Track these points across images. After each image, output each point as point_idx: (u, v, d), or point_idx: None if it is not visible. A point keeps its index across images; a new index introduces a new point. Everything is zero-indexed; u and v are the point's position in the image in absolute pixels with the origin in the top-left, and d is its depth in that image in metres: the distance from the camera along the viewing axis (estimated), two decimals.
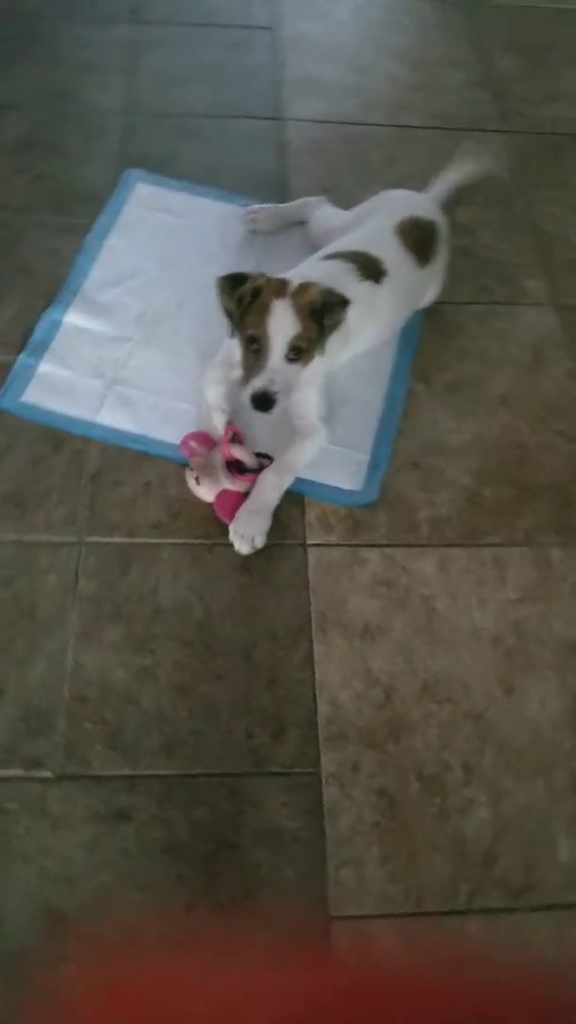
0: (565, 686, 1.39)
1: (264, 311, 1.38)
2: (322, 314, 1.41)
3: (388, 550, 1.50)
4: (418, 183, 1.84)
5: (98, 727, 1.28)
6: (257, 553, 1.46)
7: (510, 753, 1.32)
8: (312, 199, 1.88)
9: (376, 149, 2.07)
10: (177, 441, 1.54)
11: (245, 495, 1.49)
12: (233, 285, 1.40)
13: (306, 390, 1.52)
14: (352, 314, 1.55)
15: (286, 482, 1.50)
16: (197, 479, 1.47)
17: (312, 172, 2.01)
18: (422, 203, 1.75)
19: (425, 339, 1.77)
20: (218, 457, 1.50)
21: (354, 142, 2.08)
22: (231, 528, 1.45)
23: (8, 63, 2.12)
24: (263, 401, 1.39)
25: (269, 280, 1.42)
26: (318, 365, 1.51)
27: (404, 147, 2.09)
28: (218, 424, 1.55)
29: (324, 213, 1.84)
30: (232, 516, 1.46)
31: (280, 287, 1.41)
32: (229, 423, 1.54)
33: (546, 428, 1.68)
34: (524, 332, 1.81)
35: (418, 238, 1.66)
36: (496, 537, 1.53)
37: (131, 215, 1.87)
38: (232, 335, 1.46)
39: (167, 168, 1.96)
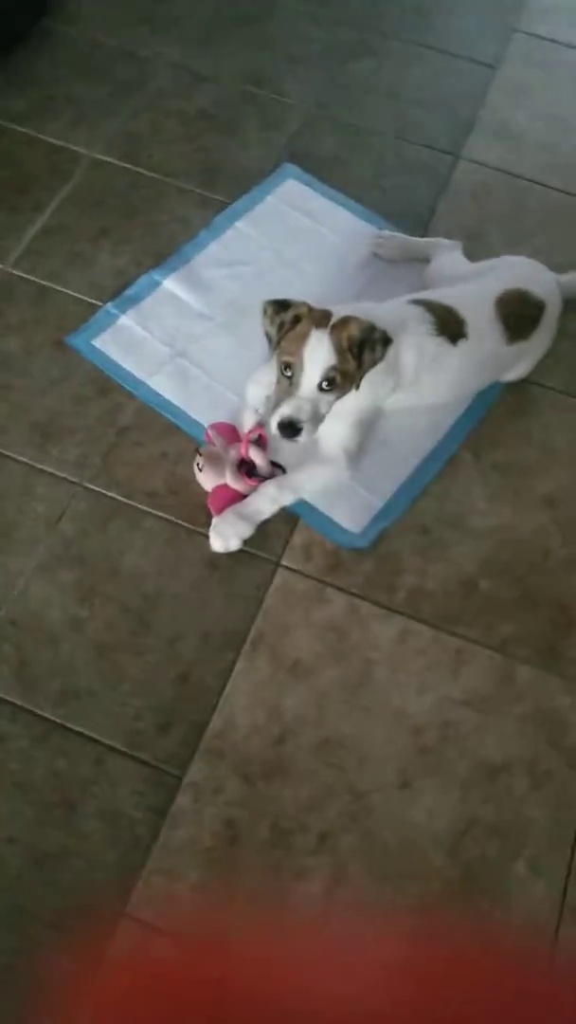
0: (463, 807, 1.30)
1: (302, 339, 1.39)
2: (361, 349, 1.39)
3: (356, 600, 1.47)
4: (565, 261, 1.75)
5: (14, 652, 1.37)
6: (229, 554, 1.47)
7: (373, 846, 1.26)
8: (446, 241, 1.83)
9: (539, 212, 1.98)
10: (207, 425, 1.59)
11: (243, 497, 1.51)
12: (276, 310, 1.42)
13: (337, 421, 1.51)
14: (409, 361, 1.53)
15: (285, 499, 1.51)
16: (200, 466, 1.51)
17: (464, 216, 1.95)
18: (542, 281, 1.66)
19: (496, 411, 1.68)
20: (233, 453, 1.53)
21: (520, 198, 1.99)
22: (212, 522, 1.48)
23: (223, 38, 2.22)
24: (289, 428, 1.40)
25: (312, 310, 1.42)
26: (356, 400, 1.49)
27: (570, 219, 1.98)
28: (247, 422, 1.57)
29: (449, 259, 1.79)
30: (220, 512, 1.49)
31: (321, 318, 1.41)
32: (259, 424, 1.57)
33: None
34: None
35: (517, 313, 1.59)
36: (471, 631, 1.45)
37: (270, 206, 1.92)
38: (270, 358, 1.47)
39: (325, 172, 1.98)
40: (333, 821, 1.28)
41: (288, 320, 1.41)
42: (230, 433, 1.57)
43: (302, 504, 1.54)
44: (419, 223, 1.93)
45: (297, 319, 1.41)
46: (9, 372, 1.64)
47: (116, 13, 2.24)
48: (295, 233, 1.89)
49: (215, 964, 1.14)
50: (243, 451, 1.52)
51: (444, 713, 1.38)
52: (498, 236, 1.92)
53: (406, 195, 1.98)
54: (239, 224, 1.88)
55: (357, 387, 1.45)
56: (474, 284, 1.64)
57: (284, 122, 2.07)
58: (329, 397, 1.43)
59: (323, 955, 1.14)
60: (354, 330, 1.39)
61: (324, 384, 1.40)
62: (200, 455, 1.52)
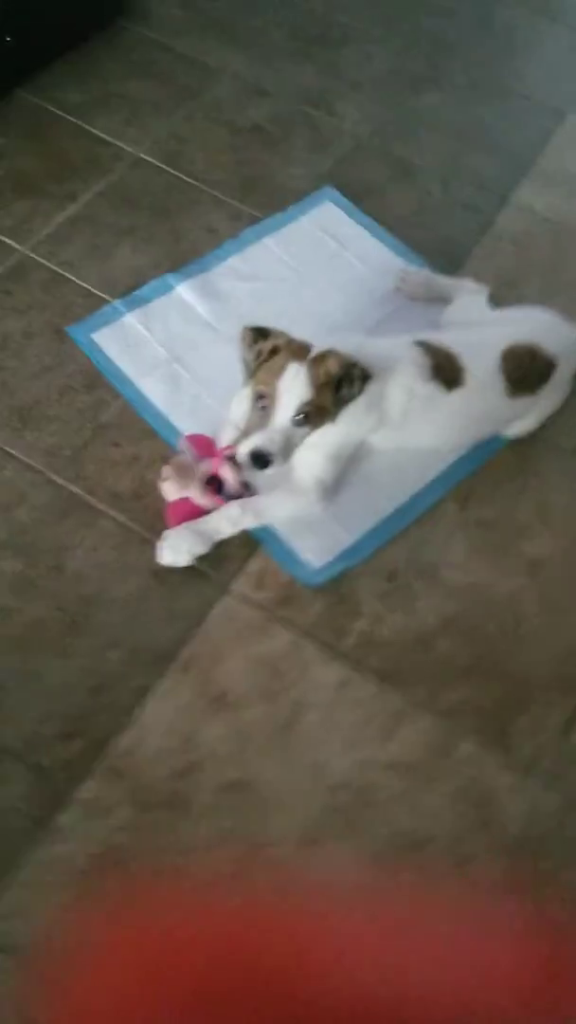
0: (373, 880, 1.20)
1: (278, 371, 1.34)
2: (339, 385, 1.33)
3: (301, 639, 1.38)
4: None
5: None
6: (179, 570, 1.41)
7: None
8: (471, 284, 1.75)
9: None
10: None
11: (205, 513, 1.45)
12: (255, 337, 1.38)
13: (313, 451, 1.45)
14: (396, 402, 1.45)
15: (247, 522, 1.44)
16: (166, 475, 1.46)
17: (502, 261, 1.87)
18: (560, 336, 1.57)
19: (493, 465, 1.58)
20: (204, 467, 1.47)
21: (564, 250, 1.90)
22: (166, 534, 1.42)
23: (292, 56, 2.21)
24: (259, 460, 1.34)
25: (291, 342, 1.37)
26: (334, 432, 1.42)
27: None
28: (226, 437, 1.52)
29: (470, 303, 1.71)
30: (177, 524, 1.43)
31: (300, 351, 1.36)
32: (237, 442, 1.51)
33: (559, 619, 1.44)
34: None
35: (523, 367, 1.50)
36: (417, 691, 1.35)
37: (302, 226, 1.88)
38: (245, 385, 1.42)
39: (364, 200, 1.93)
40: (220, 869, 1.19)
41: (266, 350, 1.36)
42: (206, 446, 1.52)
43: (265, 530, 1.47)
44: (454, 263, 1.86)
45: (275, 350, 1.36)
46: (3, 352, 1.63)
47: (191, 19, 2.26)
48: (321, 257, 1.84)
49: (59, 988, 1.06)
50: (215, 466, 1.47)
51: (367, 774, 1.28)
52: (534, 285, 1.83)
53: (445, 233, 1.91)
54: (267, 240, 1.85)
55: (333, 421, 1.38)
56: (484, 332, 1.56)
57: (334, 145, 2.04)
58: (302, 430, 1.37)
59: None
60: (332, 365, 1.33)
61: (298, 418, 1.34)
62: (169, 464, 1.47)
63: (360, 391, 1.37)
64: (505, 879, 1.21)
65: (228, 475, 1.47)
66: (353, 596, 1.43)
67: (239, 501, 1.45)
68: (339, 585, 1.44)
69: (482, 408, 1.51)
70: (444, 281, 1.77)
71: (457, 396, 1.47)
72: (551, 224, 1.94)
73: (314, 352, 1.36)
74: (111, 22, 2.18)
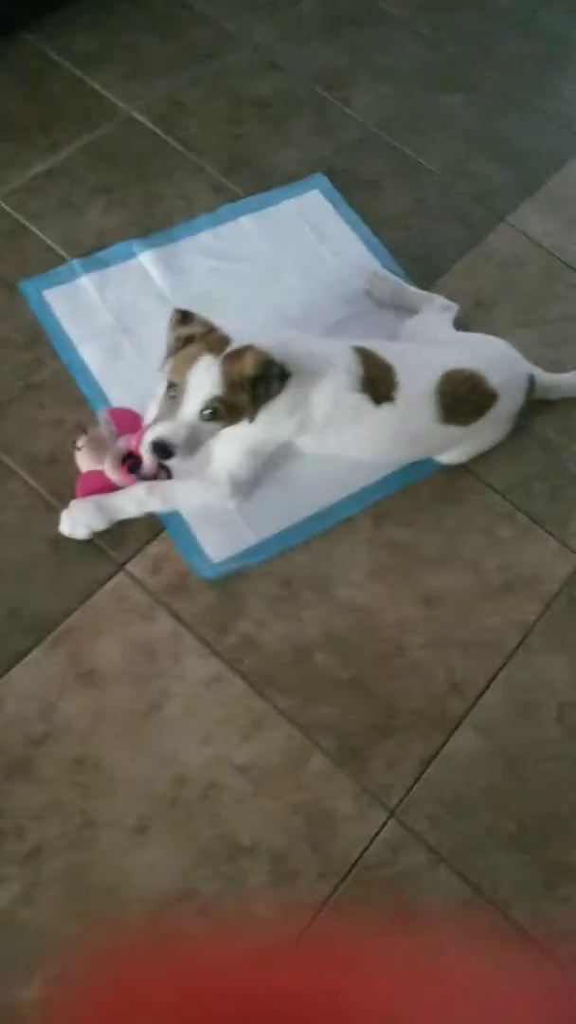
0: (188, 875, 1.22)
1: (190, 362, 1.30)
2: (255, 385, 1.31)
3: (182, 630, 1.39)
4: (565, 359, 1.65)
5: None
6: (78, 542, 1.42)
7: (79, 878, 1.20)
8: (440, 301, 1.71)
9: (563, 301, 1.82)
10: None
11: (115, 489, 1.45)
12: (179, 321, 1.35)
13: (231, 445, 1.44)
14: (321, 408, 1.43)
15: (152, 506, 1.44)
16: (79, 445, 1.46)
17: (481, 280, 1.82)
18: (511, 371, 1.54)
19: (418, 489, 1.56)
20: (122, 443, 1.47)
21: (550, 283, 1.84)
22: (70, 504, 1.43)
23: (316, 33, 2.14)
24: (161, 450, 1.32)
25: (211, 332, 1.33)
26: (252, 430, 1.41)
27: None
28: (149, 415, 1.51)
29: (433, 319, 1.67)
30: (84, 496, 1.44)
31: (217, 344, 1.31)
32: None
33: (441, 656, 1.43)
34: (522, 556, 1.53)
35: (459, 396, 1.47)
36: (283, 700, 1.36)
37: (283, 211, 1.84)
38: (159, 369, 1.39)
39: (354, 193, 1.88)
40: (52, 839, 1.22)
41: (183, 336, 1.33)
42: (131, 422, 1.51)
43: (174, 516, 1.47)
44: (432, 274, 1.81)
45: (190, 338, 1.33)
46: None
47: None
48: (295, 246, 1.81)
49: None
50: (133, 443, 1.46)
51: (216, 773, 1.29)
52: (507, 312, 1.79)
53: (432, 240, 1.86)
54: (243, 220, 1.81)
55: (251, 420, 1.37)
56: (430, 351, 1.53)
57: (338, 132, 1.98)
58: (212, 425, 1.34)
59: None
60: (248, 365, 1.30)
61: (206, 412, 1.32)
62: (84, 435, 1.47)
63: (278, 392, 1.34)
64: (320, 903, 1.23)
65: (146, 455, 1.47)
66: (243, 596, 1.44)
67: (148, 483, 1.45)
68: (232, 583, 1.44)
69: (409, 428, 1.48)
70: (413, 292, 1.73)
71: (385, 412, 1.44)
72: (542, 252, 1.88)
73: (232, 347, 1.32)
74: None
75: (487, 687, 1.41)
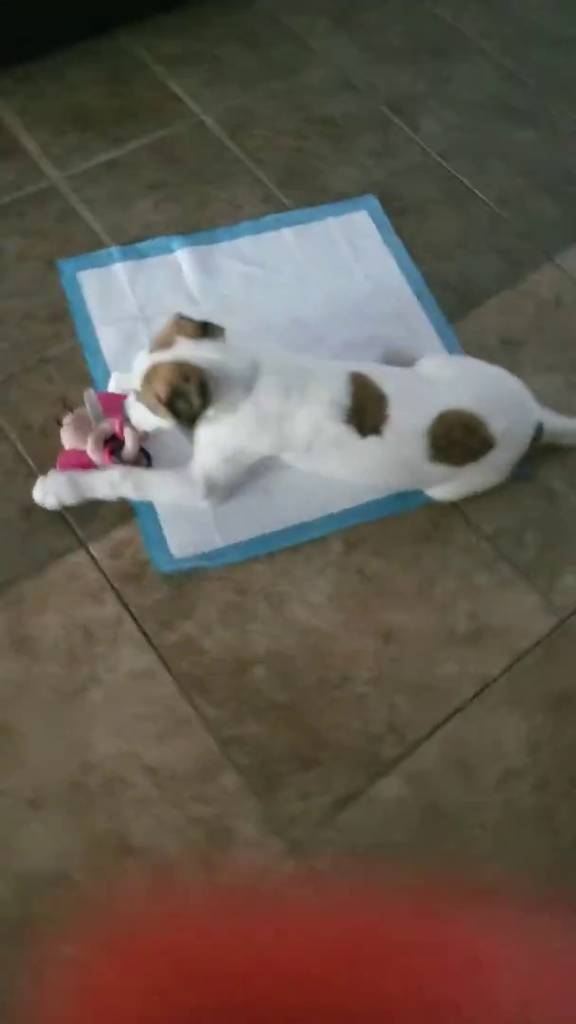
0: (66, 860, 1.19)
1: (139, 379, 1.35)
2: (172, 403, 1.32)
3: (127, 619, 1.38)
4: None
5: None
6: (47, 514, 1.44)
7: None
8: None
9: None
10: (112, 386, 1.56)
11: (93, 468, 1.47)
12: (172, 322, 1.37)
13: (211, 448, 1.43)
14: (300, 433, 1.40)
15: (124, 491, 1.44)
16: (63, 423, 1.48)
17: (512, 319, 1.74)
18: (516, 414, 1.45)
19: (402, 519, 1.50)
20: (107, 425, 1.48)
21: None
22: (48, 474, 1.45)
23: (396, 57, 2.14)
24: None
25: (165, 343, 1.34)
26: (227, 437, 1.40)
27: None
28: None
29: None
30: (63, 470, 1.46)
31: (159, 344, 1.35)
32: None
33: (388, 695, 1.35)
34: (497, 607, 1.43)
35: (452, 438, 1.39)
36: (210, 710, 1.31)
37: (326, 228, 1.83)
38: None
39: (402, 217, 1.85)
40: None
41: (161, 339, 1.36)
42: (117, 405, 1.52)
43: (147, 504, 1.47)
44: (465, 306, 1.75)
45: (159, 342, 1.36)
46: None
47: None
48: (330, 262, 1.79)
49: None
50: (116, 426, 1.47)
51: (124, 768, 1.26)
52: (535, 352, 1.70)
53: (470, 273, 1.80)
54: (285, 231, 1.81)
55: (186, 431, 1.39)
56: (430, 385, 1.44)
57: (397, 156, 1.96)
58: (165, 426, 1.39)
59: None
60: (159, 386, 1.31)
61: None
62: (70, 412, 1.49)
63: (203, 404, 1.32)
64: (198, 918, 1.17)
65: (129, 439, 1.47)
66: (196, 597, 1.41)
67: (124, 468, 1.45)
68: (188, 582, 1.42)
69: (395, 461, 1.42)
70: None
71: (371, 444, 1.39)
72: None
73: (148, 368, 1.33)
74: None
75: (428, 736, 1.32)
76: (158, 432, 1.47)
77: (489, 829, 1.26)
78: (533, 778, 1.30)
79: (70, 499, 1.43)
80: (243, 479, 1.47)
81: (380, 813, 1.26)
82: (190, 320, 1.36)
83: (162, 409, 1.33)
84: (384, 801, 1.27)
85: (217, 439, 1.41)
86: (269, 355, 1.38)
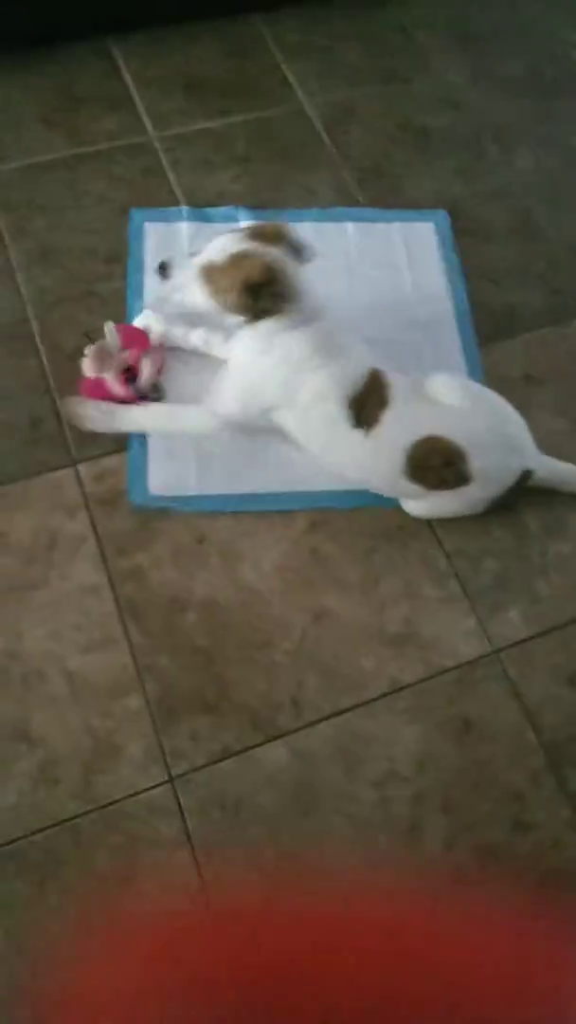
0: None
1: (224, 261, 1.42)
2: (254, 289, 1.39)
3: (91, 538, 1.49)
4: None
5: None
6: (54, 428, 1.57)
7: None
8: None
9: None
10: (138, 321, 1.66)
11: (112, 398, 1.57)
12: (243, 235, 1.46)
13: (228, 378, 1.51)
14: (304, 398, 1.46)
15: (145, 425, 1.55)
16: (87, 353, 1.60)
17: (540, 356, 1.73)
18: (497, 461, 1.45)
19: (367, 515, 1.54)
20: (125, 356, 1.59)
21: None
22: (81, 401, 1.56)
23: (508, 88, 2.16)
24: (162, 268, 1.50)
25: (262, 230, 1.45)
26: (247, 368, 1.48)
27: None
28: (156, 329, 1.63)
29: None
30: (88, 398, 1.57)
31: (256, 234, 1.43)
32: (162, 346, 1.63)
33: (300, 670, 1.41)
34: (433, 620, 1.46)
35: (427, 465, 1.42)
36: (137, 636, 1.41)
37: (390, 230, 1.88)
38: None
39: (464, 236, 1.88)
40: None
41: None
42: (136, 338, 1.62)
43: (140, 439, 1.57)
44: (497, 334, 1.77)
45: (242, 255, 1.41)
46: (71, 204, 1.84)
47: (447, 18, 2.27)
48: (383, 263, 1.84)
49: None
50: (132, 357, 1.58)
51: (46, 666, 1.38)
52: (552, 394, 1.70)
53: (514, 303, 1.81)
54: (348, 225, 1.88)
55: (246, 319, 1.46)
56: (429, 407, 1.47)
57: (479, 179, 1.98)
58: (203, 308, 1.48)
59: None
60: (252, 271, 1.38)
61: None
62: (92, 344, 1.61)
63: (273, 310, 1.40)
64: (57, 820, 1.27)
65: (146, 368, 1.58)
66: (157, 534, 1.51)
67: (150, 405, 1.56)
68: (155, 518, 1.52)
69: (370, 464, 1.47)
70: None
71: (357, 437, 1.44)
72: None
73: (239, 250, 1.41)
74: None
75: (325, 719, 1.38)
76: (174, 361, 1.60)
77: (355, 821, 1.31)
78: (412, 789, 1.33)
79: (103, 429, 1.55)
80: (250, 426, 1.54)
81: (258, 774, 1.33)
82: (296, 236, 1.45)
83: (235, 294, 1.40)
84: (265, 764, 1.34)
85: (235, 362, 1.50)
86: (326, 313, 1.47)
